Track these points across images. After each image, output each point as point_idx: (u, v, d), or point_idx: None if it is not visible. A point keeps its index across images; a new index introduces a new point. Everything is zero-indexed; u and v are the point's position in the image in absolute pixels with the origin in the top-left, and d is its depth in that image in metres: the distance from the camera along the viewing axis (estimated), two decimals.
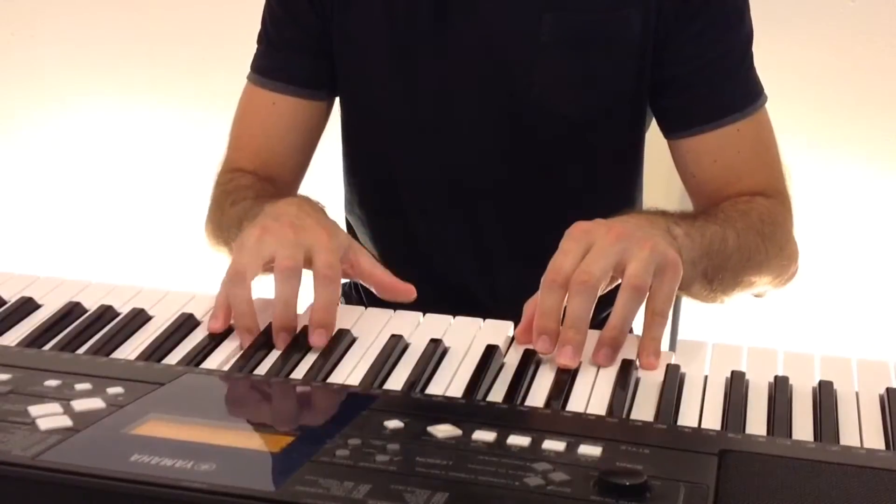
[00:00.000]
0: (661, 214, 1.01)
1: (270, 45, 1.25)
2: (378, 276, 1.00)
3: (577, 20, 1.14)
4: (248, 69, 1.27)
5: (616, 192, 1.27)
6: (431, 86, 1.19)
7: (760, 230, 1.08)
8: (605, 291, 0.91)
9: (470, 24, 1.16)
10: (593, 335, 0.89)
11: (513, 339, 0.92)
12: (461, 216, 1.23)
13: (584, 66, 1.16)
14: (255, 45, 1.27)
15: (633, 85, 1.17)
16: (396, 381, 0.85)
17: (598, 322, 0.91)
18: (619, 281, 0.90)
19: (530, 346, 0.88)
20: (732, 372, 0.85)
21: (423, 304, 0.98)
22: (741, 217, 1.08)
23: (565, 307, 0.88)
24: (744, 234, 1.06)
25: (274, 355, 0.89)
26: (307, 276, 0.94)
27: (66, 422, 0.71)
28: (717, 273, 1.02)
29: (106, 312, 0.96)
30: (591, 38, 1.15)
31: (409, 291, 0.98)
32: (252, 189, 1.17)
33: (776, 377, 0.85)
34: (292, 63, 1.23)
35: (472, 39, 1.16)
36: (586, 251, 0.89)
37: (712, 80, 1.15)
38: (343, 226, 1.18)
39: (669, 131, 1.19)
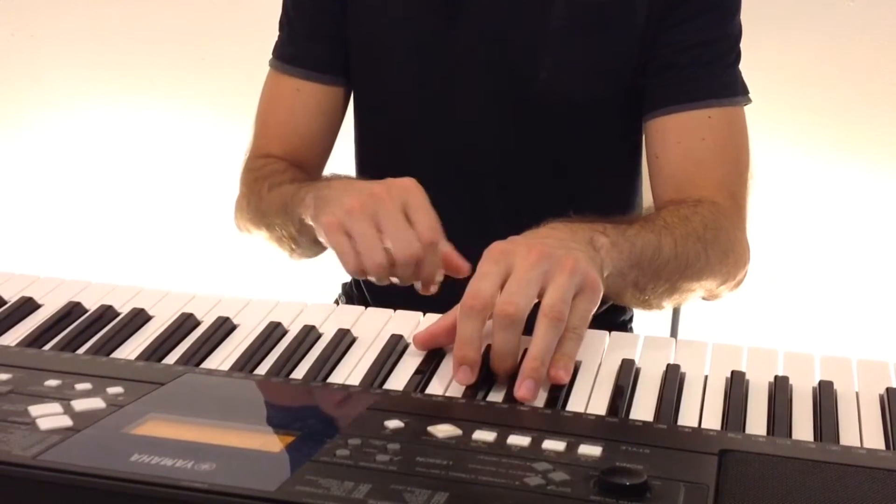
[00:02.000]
0: (587, 224, 0.98)
1: (293, 32, 1.26)
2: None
3: (587, 5, 1.16)
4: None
5: (619, 178, 1.28)
6: (441, 71, 1.20)
7: (702, 236, 1.06)
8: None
9: (481, 8, 1.17)
10: (591, 334, 0.89)
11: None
12: (468, 203, 1.24)
13: (591, 51, 1.17)
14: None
15: (636, 71, 1.18)
16: (396, 381, 0.85)
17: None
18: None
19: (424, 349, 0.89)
20: (732, 372, 0.85)
21: (435, 294, 0.99)
22: (682, 223, 1.06)
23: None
24: (682, 241, 1.04)
25: (274, 355, 0.89)
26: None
27: (66, 422, 0.71)
28: (649, 282, 1.01)
29: (106, 312, 0.96)
30: (599, 23, 1.16)
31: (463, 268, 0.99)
32: (286, 174, 1.19)
33: (776, 377, 0.85)
34: (315, 49, 1.24)
35: (483, 24, 1.18)
36: (506, 273, 0.85)
37: (692, 65, 1.15)
38: None
39: (644, 111, 1.19)
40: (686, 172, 1.15)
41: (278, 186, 1.15)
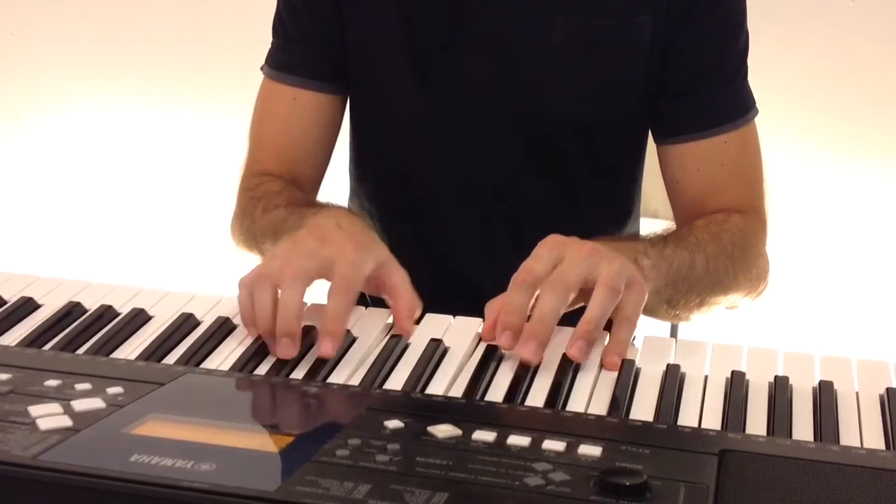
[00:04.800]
0: (630, 244, 1.02)
1: (289, 39, 1.24)
2: (402, 301, 0.97)
3: (589, 25, 1.15)
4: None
5: (620, 189, 1.28)
6: (443, 85, 1.19)
7: (731, 254, 1.10)
8: (572, 309, 0.91)
9: (483, 25, 1.17)
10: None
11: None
12: (468, 213, 1.24)
13: (594, 70, 1.17)
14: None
15: (641, 90, 1.18)
16: (396, 381, 0.85)
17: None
18: (582, 304, 0.91)
19: (495, 343, 0.89)
20: (732, 372, 0.85)
21: (433, 299, 0.99)
22: (712, 240, 1.09)
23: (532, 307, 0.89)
24: (713, 259, 1.07)
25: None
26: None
27: (66, 422, 0.71)
28: (682, 298, 1.05)
29: (106, 312, 0.96)
30: (602, 42, 1.16)
31: (406, 331, 0.96)
32: (282, 195, 1.16)
33: (776, 377, 0.85)
34: (313, 57, 1.22)
35: (485, 40, 1.17)
36: (558, 260, 0.90)
37: (707, 89, 1.16)
38: None
39: (660, 135, 1.21)
40: (708, 196, 1.18)
41: (272, 210, 1.14)
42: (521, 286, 0.89)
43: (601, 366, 0.87)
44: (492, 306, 0.92)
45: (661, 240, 1.07)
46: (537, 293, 0.89)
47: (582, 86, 1.18)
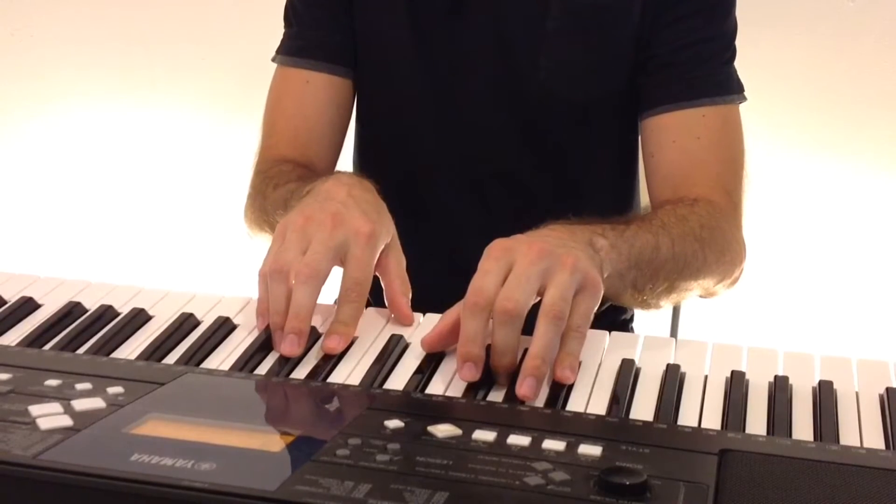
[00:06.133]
0: (586, 226, 0.97)
1: (301, 26, 1.26)
2: (393, 288, 0.98)
3: (583, 5, 1.17)
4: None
5: (619, 177, 1.29)
6: (443, 70, 1.21)
7: (699, 235, 1.06)
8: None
9: (481, 8, 1.18)
10: (591, 334, 0.89)
11: None
12: (471, 202, 1.25)
13: (589, 51, 1.18)
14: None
15: (632, 69, 1.19)
16: (396, 381, 0.85)
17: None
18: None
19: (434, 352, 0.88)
20: (732, 372, 0.85)
21: (437, 292, 0.99)
22: (679, 223, 1.06)
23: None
24: (680, 241, 1.04)
25: (274, 355, 0.89)
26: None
27: (66, 421, 0.71)
28: (647, 282, 1.01)
29: (106, 312, 0.97)
30: (595, 23, 1.17)
31: (407, 319, 0.96)
32: (294, 172, 1.17)
33: (776, 377, 0.85)
34: (325, 41, 1.24)
35: (483, 24, 1.19)
36: (507, 270, 0.86)
37: (687, 64, 1.17)
38: None
39: (640, 110, 1.20)
40: (681, 171, 1.16)
41: (283, 185, 1.14)
42: (475, 310, 0.84)
43: (601, 366, 0.87)
44: (444, 319, 0.89)
45: (623, 222, 1.03)
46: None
47: (577, 69, 1.19)
